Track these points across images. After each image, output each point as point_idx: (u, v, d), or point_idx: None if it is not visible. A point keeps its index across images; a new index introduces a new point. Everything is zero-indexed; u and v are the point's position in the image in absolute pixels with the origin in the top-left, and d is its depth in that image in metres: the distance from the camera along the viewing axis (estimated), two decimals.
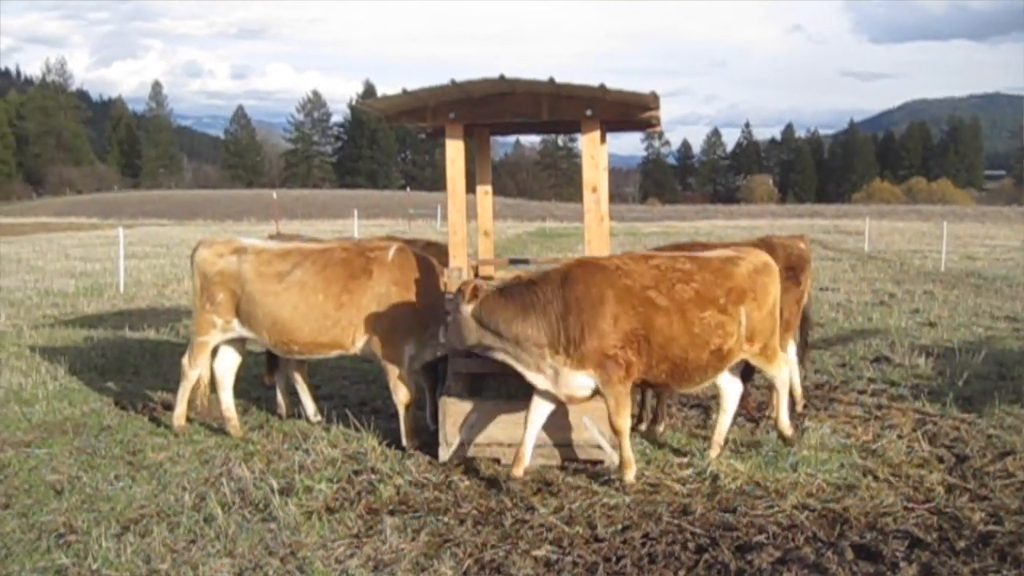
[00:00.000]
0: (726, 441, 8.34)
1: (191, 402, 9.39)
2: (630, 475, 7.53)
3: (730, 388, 8.36)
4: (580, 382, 7.41)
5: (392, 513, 6.92)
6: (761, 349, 8.03)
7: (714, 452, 8.15)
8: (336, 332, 8.70)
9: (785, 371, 8.46)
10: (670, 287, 7.49)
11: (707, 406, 10.20)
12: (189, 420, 9.42)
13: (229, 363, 9.47)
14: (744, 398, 8.91)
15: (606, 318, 7.26)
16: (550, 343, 7.33)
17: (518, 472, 7.54)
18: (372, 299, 8.59)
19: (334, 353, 8.95)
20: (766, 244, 9.62)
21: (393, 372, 8.63)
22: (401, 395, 8.61)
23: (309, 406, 9.71)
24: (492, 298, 7.35)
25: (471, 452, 8.15)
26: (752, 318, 7.82)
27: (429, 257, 8.81)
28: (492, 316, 7.31)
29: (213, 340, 9.14)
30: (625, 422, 7.45)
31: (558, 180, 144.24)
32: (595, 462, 8.01)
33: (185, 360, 9.28)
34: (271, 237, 11.19)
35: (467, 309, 7.30)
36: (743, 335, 7.80)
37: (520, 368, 7.45)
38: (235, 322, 8.99)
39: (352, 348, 8.80)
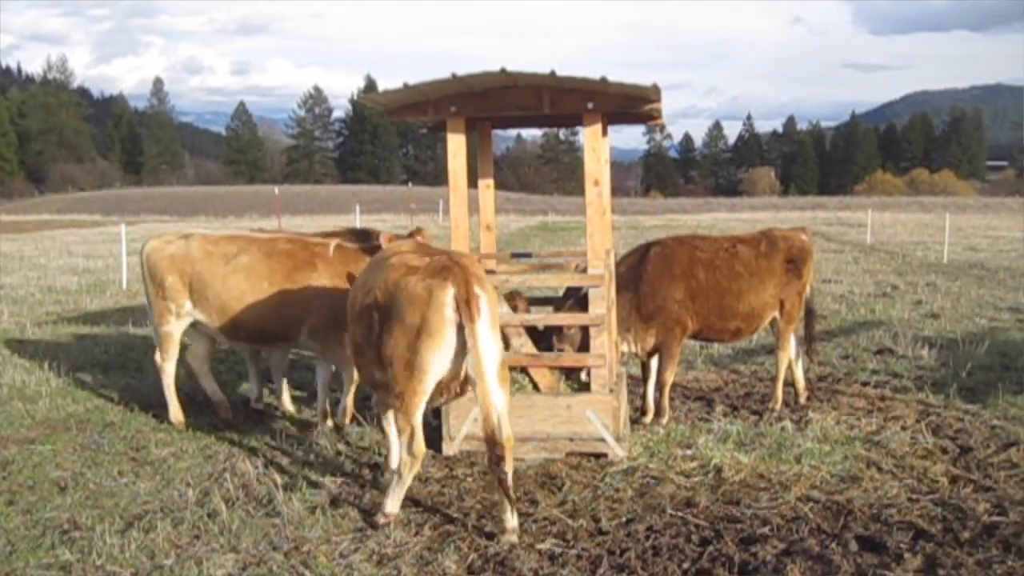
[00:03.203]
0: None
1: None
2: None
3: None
4: None
5: None
6: None
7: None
8: (280, 322, 8.97)
9: None
10: None
11: (710, 398, 10.21)
12: (187, 415, 9.45)
13: (202, 351, 9.64)
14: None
15: None
16: None
17: None
18: (314, 291, 8.85)
19: (281, 344, 9.35)
20: (767, 237, 9.63)
21: (339, 356, 8.90)
22: (348, 375, 8.98)
23: (254, 389, 10.04)
24: None
25: (474, 446, 8.15)
26: None
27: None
28: None
29: (175, 328, 9.28)
30: None
31: (560, 174, 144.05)
32: (599, 455, 8.00)
33: (157, 356, 9.43)
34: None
35: None
36: None
37: None
38: (187, 304, 9.14)
39: (296, 340, 9.11)
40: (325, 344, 8.99)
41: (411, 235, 9.31)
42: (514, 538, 6.30)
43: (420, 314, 6.27)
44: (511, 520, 6.37)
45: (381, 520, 6.65)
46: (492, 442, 6.20)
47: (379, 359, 6.67)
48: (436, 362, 6.34)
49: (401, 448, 6.75)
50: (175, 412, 9.36)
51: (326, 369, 9.29)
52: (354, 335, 7.15)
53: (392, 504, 6.73)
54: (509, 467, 6.24)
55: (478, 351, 6.18)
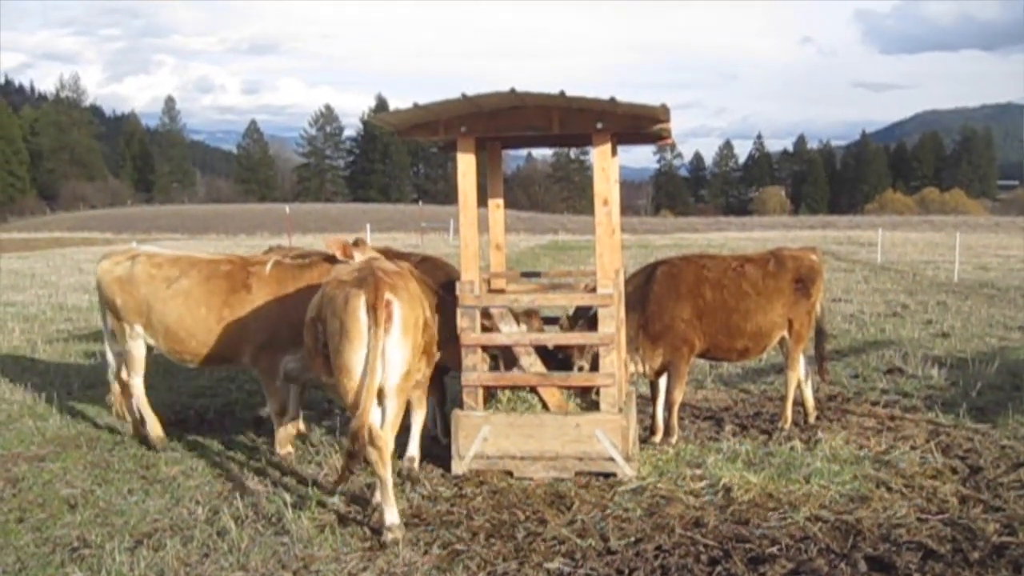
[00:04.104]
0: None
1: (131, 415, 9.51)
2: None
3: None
4: None
5: (405, 526, 6.91)
6: None
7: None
8: (221, 346, 8.87)
9: None
10: None
11: (720, 418, 10.20)
12: (168, 432, 9.44)
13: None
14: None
15: None
16: None
17: None
18: (252, 313, 8.76)
19: (225, 365, 9.33)
20: (776, 256, 9.63)
21: (268, 383, 8.81)
22: (274, 406, 8.83)
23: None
24: None
25: (483, 465, 8.16)
26: None
27: (311, 272, 8.94)
28: None
29: (134, 348, 9.20)
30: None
31: (570, 193, 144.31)
32: (608, 474, 8.00)
33: (123, 375, 9.39)
34: (270, 249, 11.26)
35: None
36: None
37: None
38: (137, 326, 9.09)
39: (240, 361, 9.03)
40: (259, 366, 8.86)
41: (354, 244, 9.24)
42: (394, 535, 6.71)
43: (340, 320, 6.84)
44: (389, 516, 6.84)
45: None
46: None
47: (326, 365, 7.21)
48: (359, 363, 6.79)
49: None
50: (153, 427, 9.27)
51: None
52: (307, 344, 7.56)
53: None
54: (373, 465, 6.90)
55: (376, 353, 6.70)
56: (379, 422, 6.93)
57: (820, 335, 10.07)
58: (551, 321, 9.21)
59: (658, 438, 9.30)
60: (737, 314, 9.24)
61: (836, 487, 7.59)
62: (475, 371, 8.27)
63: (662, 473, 8.11)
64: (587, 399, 8.52)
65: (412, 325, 7.03)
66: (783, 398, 9.87)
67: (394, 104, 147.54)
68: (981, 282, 25.70)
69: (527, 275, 9.91)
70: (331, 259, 8.84)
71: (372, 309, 6.71)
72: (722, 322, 9.22)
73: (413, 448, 8.32)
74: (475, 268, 8.19)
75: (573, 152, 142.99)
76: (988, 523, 6.83)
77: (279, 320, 8.58)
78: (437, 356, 8.39)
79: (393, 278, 7.06)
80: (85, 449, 9.17)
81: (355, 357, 6.79)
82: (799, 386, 9.79)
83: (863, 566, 6.11)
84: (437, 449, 8.87)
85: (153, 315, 8.95)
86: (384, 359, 6.78)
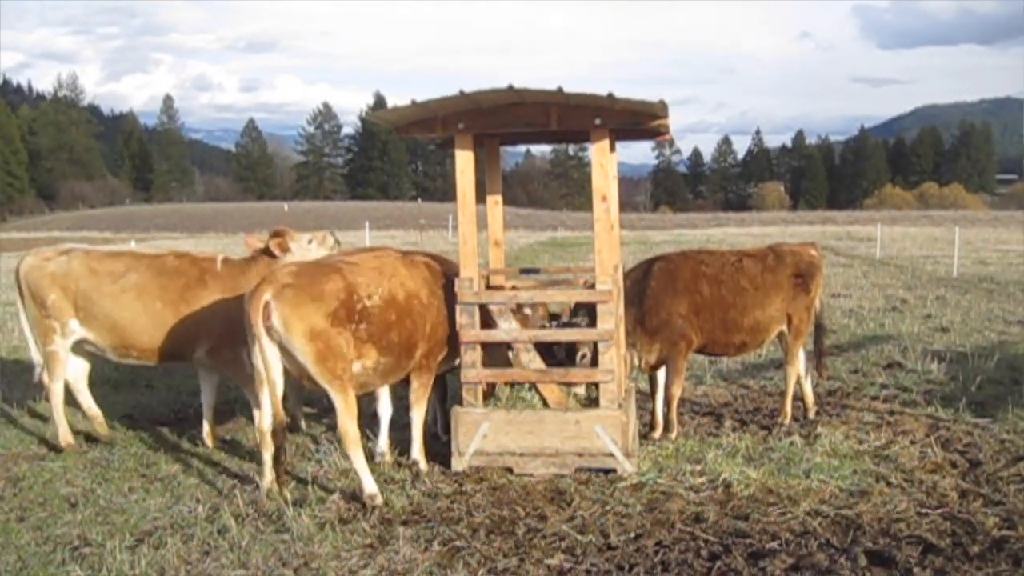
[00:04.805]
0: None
1: (98, 435, 9.45)
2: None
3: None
4: None
5: (405, 523, 6.93)
6: None
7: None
8: (174, 342, 8.87)
9: None
10: None
11: (719, 413, 10.21)
12: (77, 433, 9.43)
13: (80, 369, 9.46)
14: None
15: None
16: None
17: None
18: (207, 309, 8.80)
19: (174, 362, 9.24)
20: (775, 251, 9.64)
21: (238, 374, 8.82)
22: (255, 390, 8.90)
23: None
24: None
25: (483, 462, 8.16)
26: None
27: (255, 268, 9.13)
28: None
29: (60, 347, 9.02)
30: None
31: (569, 189, 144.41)
32: (608, 470, 8.01)
33: (44, 377, 9.23)
34: None
35: None
36: None
37: None
38: (72, 323, 8.91)
39: (191, 358, 9.04)
40: (222, 362, 8.90)
41: (274, 235, 9.39)
42: (376, 501, 7.37)
43: (246, 320, 7.38)
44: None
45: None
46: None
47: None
48: (257, 362, 7.41)
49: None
50: (64, 433, 9.15)
51: (212, 389, 9.30)
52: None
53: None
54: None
55: (261, 352, 7.28)
56: (339, 413, 7.52)
57: (820, 330, 10.08)
58: (552, 317, 9.22)
59: (658, 434, 9.30)
60: (734, 309, 9.25)
61: (836, 482, 7.60)
62: (474, 368, 8.27)
63: (662, 469, 8.12)
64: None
65: (300, 321, 7.23)
66: (783, 393, 9.88)
67: (392, 101, 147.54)
68: (980, 276, 25.72)
69: (526, 271, 9.91)
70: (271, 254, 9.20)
71: (254, 309, 7.18)
72: (719, 318, 9.23)
73: (415, 450, 8.34)
74: (474, 265, 8.19)
75: (572, 149, 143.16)
76: (988, 517, 6.84)
77: (235, 315, 8.52)
78: (444, 351, 8.43)
79: (284, 275, 7.40)
80: (85, 448, 9.17)
81: (255, 355, 7.40)
82: (799, 381, 9.80)
83: (863, 560, 6.11)
84: (437, 446, 8.87)
85: (97, 310, 8.81)
86: (273, 357, 7.32)
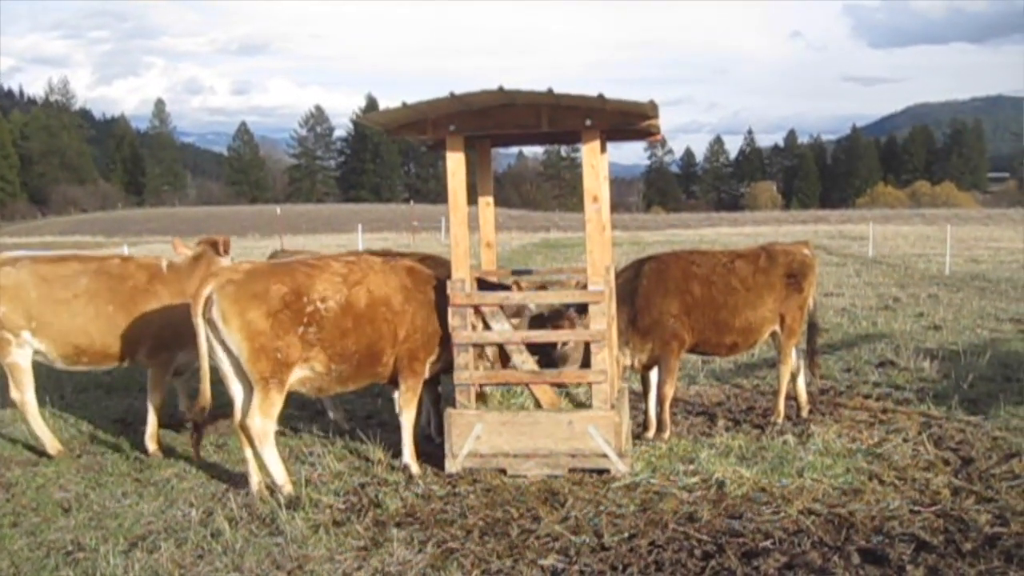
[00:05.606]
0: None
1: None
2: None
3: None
4: None
5: (399, 525, 6.93)
6: None
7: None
8: (124, 344, 8.93)
9: None
10: None
11: (712, 413, 10.22)
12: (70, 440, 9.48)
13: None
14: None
15: None
16: None
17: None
18: (154, 312, 8.92)
19: (115, 364, 9.24)
20: (767, 251, 9.65)
21: (158, 377, 9.15)
22: (157, 400, 9.13)
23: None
24: None
25: (477, 463, 8.16)
26: None
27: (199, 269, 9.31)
28: None
29: (20, 358, 8.89)
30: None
31: (562, 190, 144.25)
32: (601, 471, 8.01)
33: (12, 390, 9.07)
34: (275, 253, 11.33)
35: None
36: None
37: None
38: (25, 334, 8.79)
39: (133, 359, 9.14)
40: (159, 363, 9.11)
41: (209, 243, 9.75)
42: (288, 490, 7.64)
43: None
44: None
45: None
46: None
47: None
48: (208, 355, 7.67)
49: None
50: (50, 442, 9.07)
51: (159, 391, 9.28)
52: None
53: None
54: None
55: (201, 344, 7.56)
56: (253, 407, 7.63)
57: (812, 329, 10.10)
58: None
59: (651, 434, 9.31)
60: (726, 310, 9.26)
61: (829, 480, 7.61)
62: (467, 370, 8.27)
63: (655, 469, 8.12)
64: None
65: (236, 317, 7.38)
66: (776, 392, 9.90)
67: (384, 103, 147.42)
68: (972, 274, 25.77)
69: (518, 273, 9.90)
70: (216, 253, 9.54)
71: (197, 302, 7.42)
72: (710, 318, 9.24)
73: (406, 455, 8.30)
74: (466, 266, 8.20)
75: (564, 150, 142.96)
76: (980, 514, 6.85)
77: (178, 317, 8.58)
78: (436, 352, 8.42)
79: (230, 272, 7.60)
80: (79, 453, 9.16)
81: (202, 349, 7.62)
82: (792, 380, 9.83)
83: (856, 559, 6.12)
84: (430, 448, 8.87)
85: (51, 317, 8.73)
86: (213, 350, 7.59)
